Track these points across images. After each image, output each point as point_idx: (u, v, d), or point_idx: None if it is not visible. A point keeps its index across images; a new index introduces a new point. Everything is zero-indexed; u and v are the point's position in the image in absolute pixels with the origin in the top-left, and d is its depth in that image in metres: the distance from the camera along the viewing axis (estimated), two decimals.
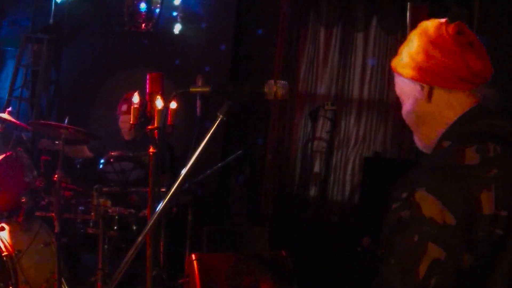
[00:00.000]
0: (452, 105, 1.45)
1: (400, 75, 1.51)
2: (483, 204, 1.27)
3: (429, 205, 1.28)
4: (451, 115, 1.45)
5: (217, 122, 1.55)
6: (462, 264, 1.26)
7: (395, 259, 1.32)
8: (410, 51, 1.48)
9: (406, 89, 1.51)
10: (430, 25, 1.49)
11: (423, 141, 1.54)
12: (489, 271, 1.29)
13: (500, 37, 4.42)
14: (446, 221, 1.26)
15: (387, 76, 5.10)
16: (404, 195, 1.34)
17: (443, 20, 1.49)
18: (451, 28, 1.45)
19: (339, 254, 4.75)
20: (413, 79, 1.48)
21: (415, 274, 1.26)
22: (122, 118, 4.26)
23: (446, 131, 1.45)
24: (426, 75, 1.45)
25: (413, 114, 1.52)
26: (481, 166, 1.31)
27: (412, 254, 1.28)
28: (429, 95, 1.46)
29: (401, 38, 4.99)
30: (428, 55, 1.44)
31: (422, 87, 1.47)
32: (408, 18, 4.69)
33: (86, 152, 4.49)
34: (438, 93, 1.46)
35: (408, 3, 4.65)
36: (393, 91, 5.19)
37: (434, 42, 1.44)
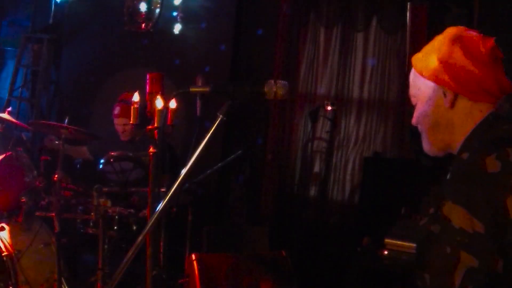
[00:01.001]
0: (472, 115, 1.46)
1: (424, 77, 1.50)
2: (509, 209, 1.28)
3: (458, 216, 1.30)
4: (470, 124, 1.46)
5: (217, 122, 1.55)
6: (496, 270, 1.27)
7: (429, 274, 1.34)
8: (440, 56, 1.46)
9: (427, 91, 1.51)
10: (463, 34, 1.49)
11: (434, 146, 1.55)
12: None
13: (500, 37, 4.41)
14: (476, 229, 1.28)
15: (387, 76, 5.09)
16: (432, 210, 1.38)
17: (475, 31, 1.50)
18: (489, 43, 1.46)
19: (339, 254, 4.75)
20: (439, 84, 1.47)
21: (450, 284, 1.28)
22: (115, 121, 4.27)
23: (464, 142, 1.46)
24: (453, 83, 1.45)
25: (430, 118, 1.52)
26: (503, 172, 1.32)
27: (446, 266, 1.30)
28: (452, 103, 1.47)
29: (401, 38, 4.99)
30: (459, 64, 1.44)
31: (445, 94, 1.47)
32: (408, 18, 4.70)
33: (86, 153, 4.49)
34: (461, 102, 1.47)
35: (408, 3, 4.65)
36: (393, 91, 5.18)
37: (468, 52, 1.45)
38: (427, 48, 1.53)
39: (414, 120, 1.58)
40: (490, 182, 1.32)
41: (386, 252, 3.06)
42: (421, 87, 1.52)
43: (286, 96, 1.58)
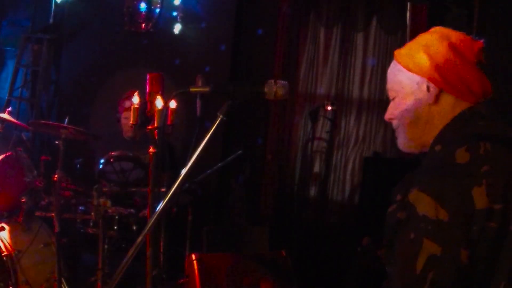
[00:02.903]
0: (453, 112, 1.47)
1: (410, 71, 1.50)
2: (475, 199, 1.29)
3: (423, 203, 1.31)
4: (448, 121, 1.47)
5: (217, 122, 1.55)
6: (460, 260, 1.27)
7: (394, 258, 1.35)
8: (430, 52, 1.47)
9: (409, 86, 1.51)
10: (452, 34, 1.49)
11: (411, 141, 1.55)
12: (489, 266, 1.30)
13: (500, 37, 4.42)
14: (440, 217, 1.28)
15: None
16: (399, 197, 1.38)
17: (462, 33, 1.51)
18: (477, 44, 1.47)
19: (339, 254, 4.75)
20: (425, 77, 1.47)
21: (412, 269, 1.28)
22: (124, 114, 4.26)
23: (438, 135, 1.47)
24: (442, 79, 1.46)
25: (411, 113, 1.51)
26: (472, 163, 1.33)
27: (409, 251, 1.30)
28: (436, 98, 1.47)
29: (401, 38, 4.99)
30: (449, 62, 1.45)
31: (429, 89, 1.48)
32: (408, 18, 4.70)
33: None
34: (445, 98, 1.48)
35: (408, 3, 4.65)
36: None
37: (458, 52, 1.46)
38: (413, 44, 1.53)
39: (389, 115, 1.58)
40: (457, 172, 1.33)
41: None
42: (403, 81, 1.52)
43: (286, 96, 1.58)
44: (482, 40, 1.49)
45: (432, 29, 1.54)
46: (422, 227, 1.29)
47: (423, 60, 1.47)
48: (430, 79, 1.47)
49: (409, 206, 1.33)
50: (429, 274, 1.27)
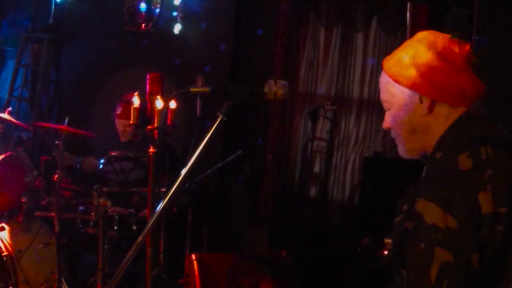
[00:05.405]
0: (449, 119, 1.47)
1: (399, 84, 1.49)
2: (481, 205, 1.30)
3: (431, 213, 1.32)
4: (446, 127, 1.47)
5: (217, 122, 1.55)
6: (472, 264, 1.28)
7: (406, 269, 1.36)
8: (417, 63, 1.46)
9: (402, 98, 1.50)
10: (439, 39, 1.48)
11: (411, 151, 1.56)
12: (499, 268, 1.32)
13: (500, 37, 4.42)
14: (449, 224, 1.29)
15: None
16: (405, 207, 1.40)
17: (448, 35, 1.49)
18: (465, 48, 1.46)
19: (339, 254, 4.75)
20: (416, 90, 1.47)
21: (427, 279, 1.29)
22: (116, 121, 4.27)
23: (438, 142, 1.47)
24: (432, 90, 1.45)
25: (407, 125, 1.52)
26: (475, 169, 1.34)
27: (421, 261, 1.31)
28: (430, 109, 1.47)
29: (401, 38, 4.98)
30: (438, 72, 1.44)
31: (422, 100, 1.47)
32: (408, 18, 4.69)
33: (95, 162, 4.43)
34: (439, 108, 1.47)
35: (408, 3, 4.65)
36: None
37: (446, 59, 1.44)
38: (400, 55, 1.52)
39: (386, 125, 1.58)
40: (462, 178, 1.33)
41: (386, 252, 3.06)
42: (395, 93, 1.51)
43: (286, 96, 1.58)
44: (469, 42, 1.47)
45: (419, 36, 1.52)
46: (432, 236, 1.30)
47: (412, 73, 1.46)
48: (421, 91, 1.46)
49: (417, 216, 1.34)
50: (445, 282, 1.28)
